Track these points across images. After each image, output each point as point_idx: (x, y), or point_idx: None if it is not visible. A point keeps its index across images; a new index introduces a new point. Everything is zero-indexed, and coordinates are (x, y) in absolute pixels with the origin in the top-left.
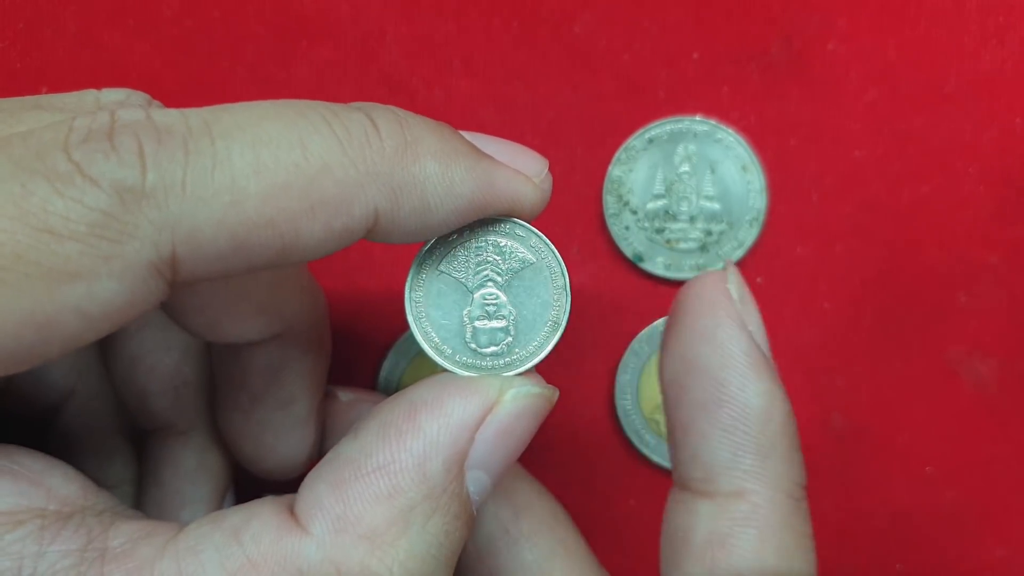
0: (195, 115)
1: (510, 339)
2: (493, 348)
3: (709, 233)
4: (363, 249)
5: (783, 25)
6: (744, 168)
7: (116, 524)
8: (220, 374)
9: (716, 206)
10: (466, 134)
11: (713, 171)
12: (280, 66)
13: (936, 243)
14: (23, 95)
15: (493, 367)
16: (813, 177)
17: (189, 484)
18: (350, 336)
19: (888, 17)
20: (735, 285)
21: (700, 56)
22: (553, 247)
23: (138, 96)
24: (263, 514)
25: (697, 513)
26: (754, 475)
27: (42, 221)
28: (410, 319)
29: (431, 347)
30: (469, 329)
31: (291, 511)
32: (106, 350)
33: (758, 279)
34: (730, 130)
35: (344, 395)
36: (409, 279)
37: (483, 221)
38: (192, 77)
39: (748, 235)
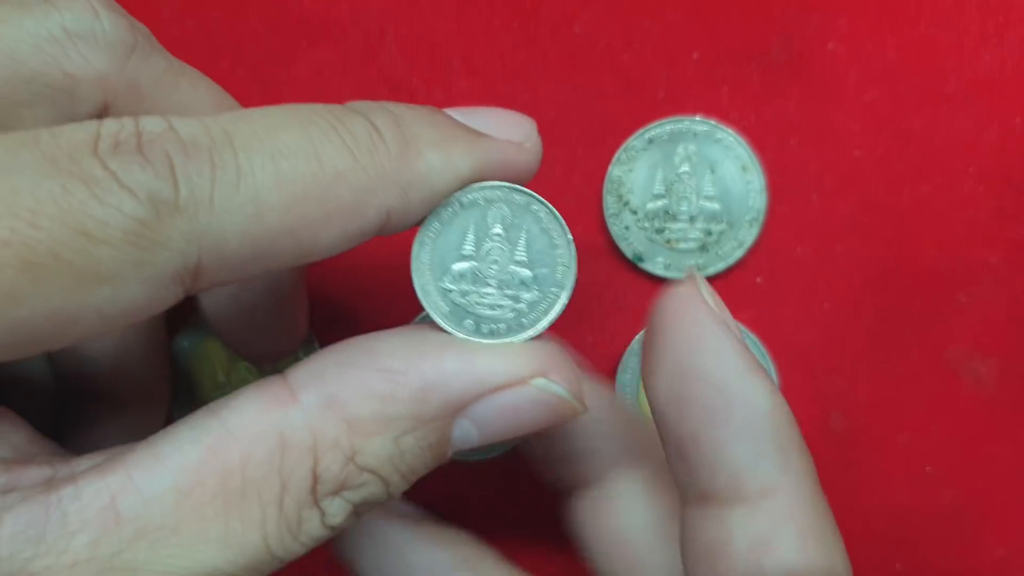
0: (215, 125)
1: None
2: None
3: (709, 233)
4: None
5: (783, 25)
6: (744, 168)
7: (75, 460)
8: None
9: (716, 206)
10: (453, 111)
11: (713, 171)
12: (280, 66)
13: (936, 243)
14: None
15: (495, 331)
16: (813, 177)
17: (118, 425)
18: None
19: (888, 17)
20: (706, 291)
21: (700, 56)
22: (555, 211)
23: None
24: (247, 392)
25: (731, 521)
26: (780, 470)
27: (81, 224)
28: (418, 292)
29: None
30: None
31: (282, 381)
32: None
33: (758, 279)
34: (730, 130)
35: None
36: (414, 251)
37: (480, 187)
38: None
39: (748, 235)
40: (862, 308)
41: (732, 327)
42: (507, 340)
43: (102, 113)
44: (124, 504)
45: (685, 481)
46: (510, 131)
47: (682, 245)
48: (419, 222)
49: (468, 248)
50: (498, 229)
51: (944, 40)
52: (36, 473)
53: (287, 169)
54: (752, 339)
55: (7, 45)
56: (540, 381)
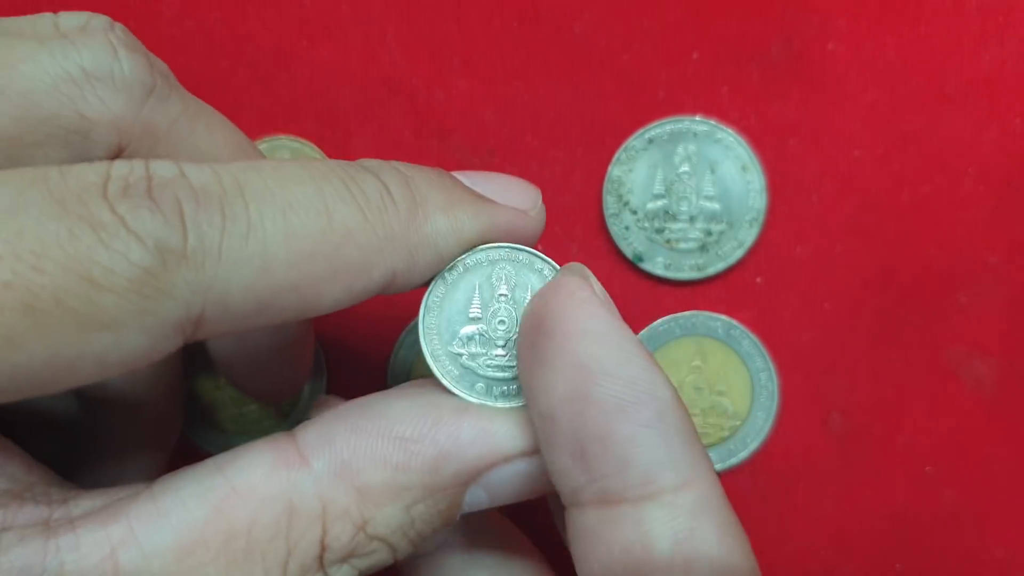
0: (227, 174)
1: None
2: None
3: (709, 233)
4: None
5: (783, 25)
6: (744, 168)
7: (72, 496)
8: None
9: (716, 206)
10: (460, 175)
11: (713, 171)
12: (280, 66)
13: (936, 243)
14: None
15: (504, 393)
16: (813, 177)
17: (132, 457)
18: (356, 338)
19: (888, 17)
20: (596, 284)
21: (700, 56)
22: (557, 266)
23: (99, 19)
24: (255, 448)
25: (649, 520)
26: (693, 464)
27: (86, 270)
28: (428, 358)
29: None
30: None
31: (291, 442)
32: None
33: (758, 279)
34: (730, 130)
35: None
36: (421, 317)
37: (483, 249)
38: (192, 77)
39: (748, 235)
40: (862, 308)
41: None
42: (520, 403)
43: (115, 155)
44: (124, 557)
45: (580, 483)
46: (516, 198)
47: (682, 245)
48: (423, 283)
49: (475, 311)
50: (503, 289)
51: (944, 40)
52: (32, 512)
53: (297, 224)
54: (752, 339)
55: (24, 85)
56: None
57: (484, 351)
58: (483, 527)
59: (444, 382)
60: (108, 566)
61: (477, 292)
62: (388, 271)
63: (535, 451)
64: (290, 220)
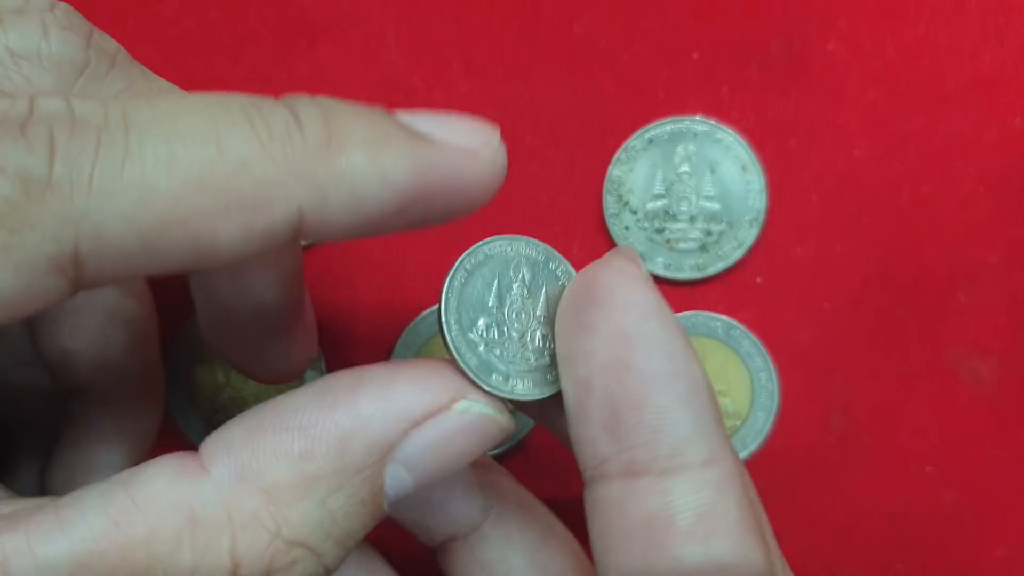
0: (116, 107)
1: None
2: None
3: (709, 233)
4: (365, 251)
5: (783, 25)
6: (744, 168)
7: None
8: (195, 289)
9: (716, 206)
10: (403, 113)
11: (713, 171)
12: (280, 66)
13: (936, 243)
14: None
15: (521, 386)
16: (813, 177)
17: (103, 447)
18: (356, 334)
19: (888, 17)
20: (641, 265)
21: (700, 56)
22: (571, 266)
23: (40, 1)
24: (158, 462)
25: (674, 491)
26: (719, 441)
27: None
28: (449, 346)
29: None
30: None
31: (194, 456)
32: None
33: (758, 279)
34: (730, 130)
35: None
36: (441, 307)
37: (502, 239)
38: (192, 77)
39: (748, 235)
40: (862, 308)
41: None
42: (536, 396)
43: None
44: (15, 568)
45: (608, 454)
46: (464, 137)
47: (682, 245)
48: (344, 233)
49: (492, 302)
50: (519, 284)
51: (944, 40)
52: None
53: (181, 152)
54: (752, 339)
55: None
56: (461, 404)
57: (500, 342)
58: (518, 510)
59: (465, 369)
60: None
61: (496, 284)
62: (292, 209)
63: (440, 409)
64: (174, 148)
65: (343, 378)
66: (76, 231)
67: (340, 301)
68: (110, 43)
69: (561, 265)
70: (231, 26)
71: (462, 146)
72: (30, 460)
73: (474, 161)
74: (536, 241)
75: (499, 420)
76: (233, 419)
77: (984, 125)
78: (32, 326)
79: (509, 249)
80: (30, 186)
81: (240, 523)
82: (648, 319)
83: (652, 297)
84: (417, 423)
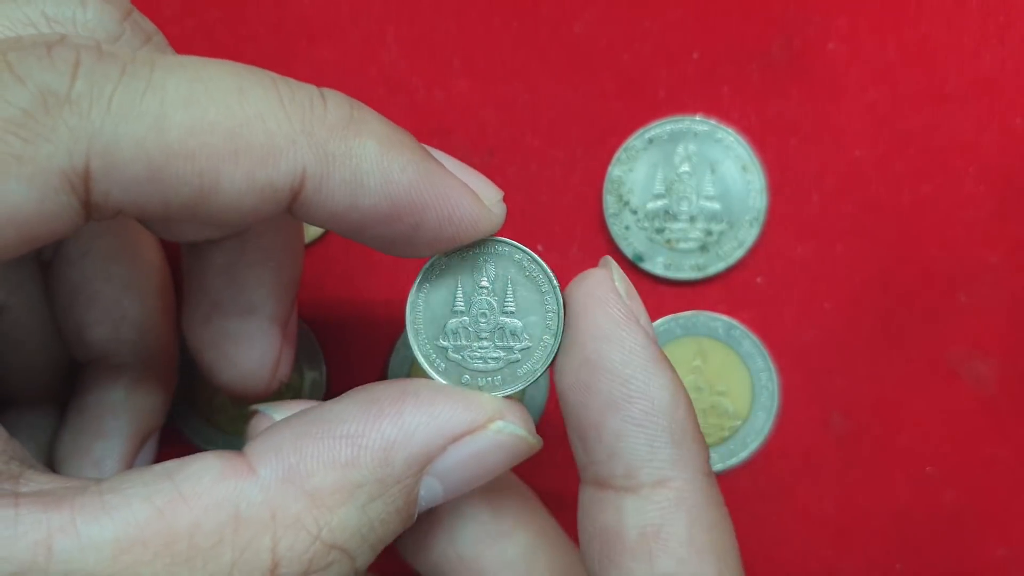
0: (145, 52)
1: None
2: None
3: (709, 233)
4: (365, 251)
5: (783, 25)
6: (744, 168)
7: (26, 474)
8: (186, 279)
9: (716, 206)
10: (429, 150)
11: (713, 171)
12: (280, 66)
13: (936, 243)
14: None
15: (489, 384)
16: (813, 177)
17: (111, 416)
18: (355, 334)
19: (888, 17)
20: (620, 281)
21: (700, 56)
22: (538, 258)
23: None
24: (204, 458)
25: (625, 509)
26: (672, 463)
27: None
28: (416, 353)
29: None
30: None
31: (240, 455)
32: (48, 276)
33: (758, 279)
34: (730, 130)
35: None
36: (408, 316)
37: (473, 246)
38: None
39: (748, 235)
40: (862, 308)
41: (642, 318)
42: (503, 393)
43: None
44: (59, 545)
45: (583, 463)
46: (472, 179)
47: (682, 245)
48: (334, 210)
49: (459, 304)
50: (485, 282)
51: (944, 40)
52: None
53: (201, 93)
54: (752, 339)
55: None
56: (498, 424)
57: (468, 344)
58: (506, 500)
59: (433, 376)
60: (41, 550)
61: (460, 286)
62: (297, 168)
63: (479, 428)
64: (195, 88)
65: (387, 390)
66: (88, 146)
67: (340, 301)
68: (148, 24)
69: (526, 257)
70: (231, 26)
71: (468, 182)
72: (44, 429)
73: (474, 198)
74: (500, 238)
75: (529, 440)
76: (279, 423)
77: (984, 125)
78: (53, 297)
79: (472, 250)
80: (48, 99)
81: (283, 524)
82: (608, 344)
83: (616, 320)
84: (456, 439)
